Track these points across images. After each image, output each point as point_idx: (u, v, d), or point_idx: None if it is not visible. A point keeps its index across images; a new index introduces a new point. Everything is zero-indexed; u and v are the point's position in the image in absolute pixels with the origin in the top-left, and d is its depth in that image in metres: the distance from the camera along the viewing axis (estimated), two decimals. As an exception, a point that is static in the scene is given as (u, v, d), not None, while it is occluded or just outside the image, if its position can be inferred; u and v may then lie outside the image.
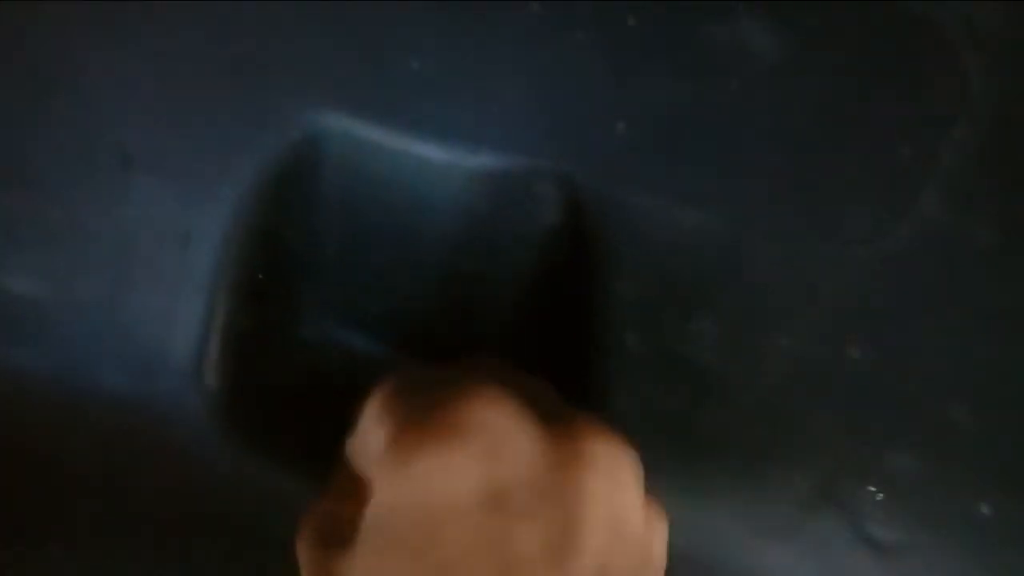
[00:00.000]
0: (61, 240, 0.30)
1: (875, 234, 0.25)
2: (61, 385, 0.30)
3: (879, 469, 0.26)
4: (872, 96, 0.25)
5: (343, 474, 0.26)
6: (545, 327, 0.29)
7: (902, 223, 0.25)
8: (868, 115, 0.25)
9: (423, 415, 0.23)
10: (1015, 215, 0.24)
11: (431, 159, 0.28)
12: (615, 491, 0.23)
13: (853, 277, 0.25)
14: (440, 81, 0.27)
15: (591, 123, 0.27)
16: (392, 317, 0.31)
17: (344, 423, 0.29)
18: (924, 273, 0.25)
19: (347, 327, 0.31)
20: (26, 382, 0.30)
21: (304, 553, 0.25)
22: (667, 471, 0.28)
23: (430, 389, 0.24)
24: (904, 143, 0.24)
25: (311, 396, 0.31)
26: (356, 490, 0.25)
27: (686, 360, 0.28)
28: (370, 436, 0.24)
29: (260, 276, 0.30)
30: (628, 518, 0.23)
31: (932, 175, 0.24)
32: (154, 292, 0.30)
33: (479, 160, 0.28)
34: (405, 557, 0.22)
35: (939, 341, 0.25)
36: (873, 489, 0.27)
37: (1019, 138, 0.24)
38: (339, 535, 0.24)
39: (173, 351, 0.30)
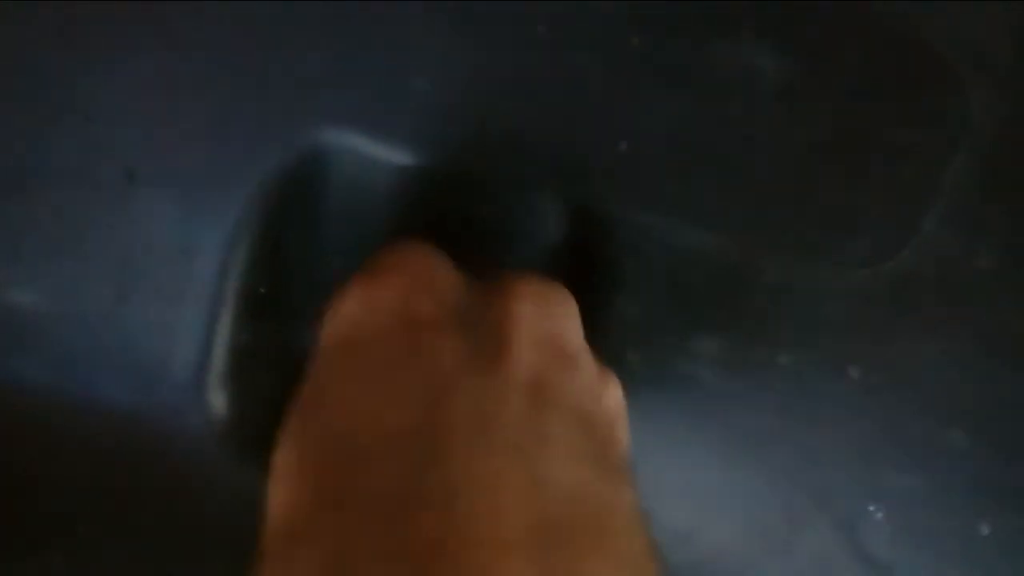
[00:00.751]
0: (62, 252, 0.29)
1: (877, 257, 0.25)
2: (60, 397, 0.30)
3: (878, 488, 0.26)
4: (876, 120, 0.25)
5: None
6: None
7: (904, 247, 0.25)
8: (871, 139, 0.25)
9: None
10: (1017, 241, 0.24)
11: (436, 175, 0.28)
12: (547, 318, 0.23)
13: (854, 299, 0.26)
14: (445, 100, 0.27)
15: (594, 141, 0.27)
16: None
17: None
18: (925, 296, 0.25)
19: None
20: (25, 393, 0.30)
21: None
22: (667, 485, 0.28)
23: None
24: (907, 167, 0.25)
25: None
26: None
27: (687, 378, 0.28)
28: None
29: (262, 290, 0.30)
30: (566, 344, 0.24)
31: (934, 199, 0.24)
32: (155, 305, 0.30)
33: (483, 177, 0.28)
34: (336, 382, 0.23)
35: (939, 364, 0.25)
36: (872, 507, 0.27)
37: (1022, 165, 0.24)
38: None
39: (173, 365, 0.30)
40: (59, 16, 0.27)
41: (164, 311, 0.30)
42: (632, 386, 0.28)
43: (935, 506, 0.26)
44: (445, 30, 0.27)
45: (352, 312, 0.24)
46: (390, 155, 0.28)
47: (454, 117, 0.28)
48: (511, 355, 0.22)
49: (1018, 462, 0.25)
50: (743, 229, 0.26)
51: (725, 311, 0.27)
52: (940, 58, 0.24)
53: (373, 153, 0.28)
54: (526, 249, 0.29)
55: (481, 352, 0.22)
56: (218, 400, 0.30)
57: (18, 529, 0.31)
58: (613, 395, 0.25)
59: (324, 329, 0.25)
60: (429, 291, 0.24)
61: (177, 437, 0.30)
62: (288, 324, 0.31)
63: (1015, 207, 0.24)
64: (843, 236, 0.26)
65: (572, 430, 0.22)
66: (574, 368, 0.23)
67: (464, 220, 0.29)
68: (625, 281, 0.28)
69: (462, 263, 0.27)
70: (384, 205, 0.29)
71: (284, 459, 0.23)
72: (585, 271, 0.28)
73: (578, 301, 0.28)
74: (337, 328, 0.24)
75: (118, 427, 0.30)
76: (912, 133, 0.25)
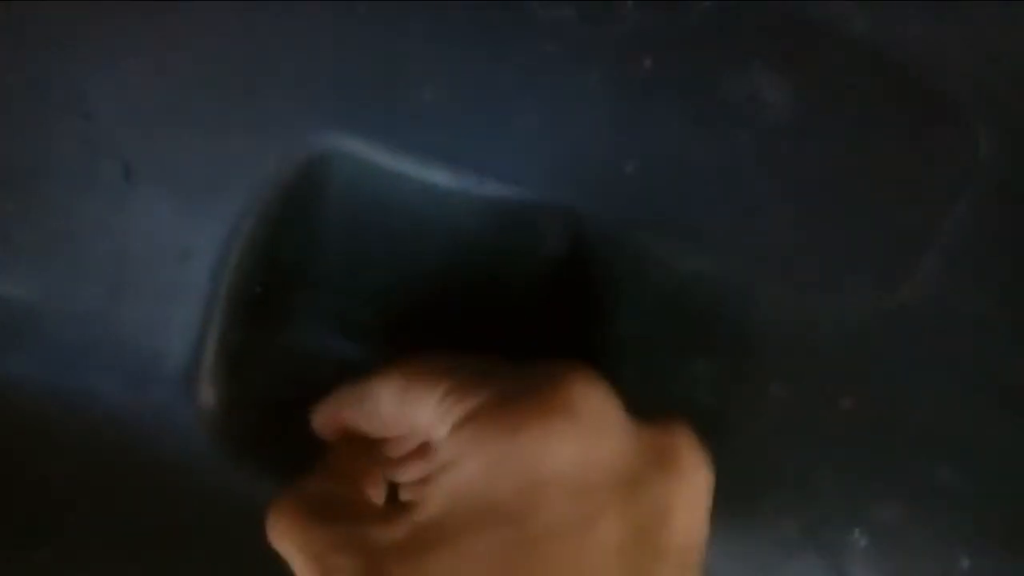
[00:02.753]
0: (59, 248, 0.29)
1: (876, 293, 0.25)
2: (52, 392, 0.30)
3: (865, 517, 0.27)
4: (881, 156, 0.25)
5: (332, 458, 0.27)
6: (541, 359, 0.29)
7: (903, 284, 0.25)
8: (877, 176, 0.25)
9: (520, 391, 0.23)
10: (1015, 283, 0.25)
11: (437, 186, 0.28)
12: (697, 506, 0.23)
13: (851, 332, 0.26)
14: (452, 111, 0.27)
15: (600, 161, 0.27)
16: (387, 332, 0.31)
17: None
18: (921, 335, 0.25)
19: (342, 340, 0.31)
20: (17, 388, 0.30)
21: (298, 531, 0.25)
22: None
23: (497, 370, 0.24)
24: (911, 206, 0.25)
25: (305, 408, 0.31)
26: (356, 469, 0.26)
27: (681, 400, 0.28)
28: (418, 405, 0.24)
29: (258, 289, 0.30)
30: (700, 529, 0.24)
31: (936, 240, 0.25)
32: (150, 303, 0.30)
33: (485, 190, 0.28)
34: (497, 524, 0.22)
35: (931, 401, 0.26)
36: (858, 535, 0.27)
37: (1024, 209, 0.24)
38: (348, 511, 0.25)
39: (167, 362, 0.30)
40: (59, 15, 0.26)
41: (158, 309, 0.30)
42: (627, 404, 0.28)
43: (919, 537, 0.27)
44: (451, 40, 0.27)
45: (526, 452, 0.22)
46: (390, 162, 0.28)
47: (457, 128, 0.27)
48: (672, 527, 0.22)
49: (1001, 500, 0.26)
50: (743, 257, 0.26)
51: (722, 336, 0.27)
52: (948, 98, 0.24)
53: (373, 159, 0.28)
54: (525, 265, 0.29)
55: (645, 521, 0.22)
56: (210, 398, 0.30)
57: (6, 524, 0.31)
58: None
59: (488, 450, 0.23)
60: (604, 443, 0.23)
61: (168, 434, 0.30)
62: (282, 324, 0.31)
63: (1015, 252, 0.24)
64: (842, 270, 0.26)
65: None
66: (706, 534, 0.24)
67: (463, 233, 0.28)
68: (625, 301, 0.28)
69: (461, 289, 0.27)
70: (383, 214, 0.29)
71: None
72: (585, 289, 0.28)
73: (575, 319, 0.29)
74: (505, 462, 0.22)
75: (110, 423, 0.30)
76: (917, 171, 0.25)
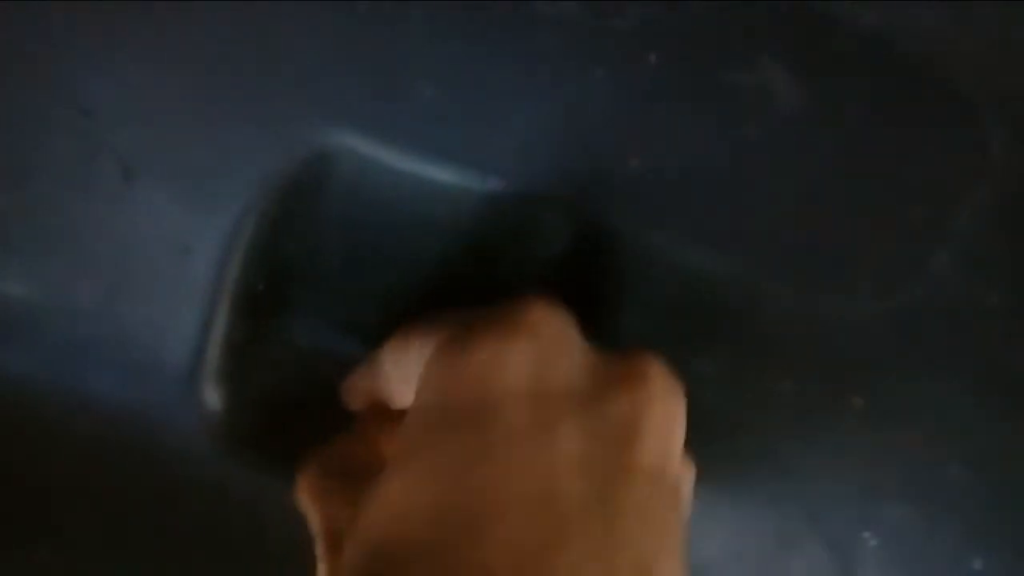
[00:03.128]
0: (58, 246, 0.29)
1: (884, 290, 0.25)
2: (52, 391, 0.30)
3: (875, 516, 0.27)
4: (891, 154, 0.24)
5: (357, 426, 0.28)
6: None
7: (912, 282, 0.25)
8: (886, 173, 0.25)
9: (480, 317, 0.24)
10: (1026, 281, 0.24)
11: (440, 182, 0.28)
12: (673, 415, 0.23)
13: (860, 330, 0.26)
14: (454, 107, 0.27)
15: (605, 156, 0.27)
16: (390, 329, 0.30)
17: (340, 432, 0.29)
18: (931, 332, 0.25)
19: (344, 338, 0.31)
20: (17, 386, 0.30)
21: (315, 484, 0.26)
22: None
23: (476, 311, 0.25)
24: (920, 203, 0.24)
25: (307, 405, 0.31)
26: (369, 431, 0.27)
27: (688, 397, 0.28)
28: (411, 350, 0.25)
29: (260, 287, 0.30)
30: (678, 439, 0.24)
31: (945, 237, 0.24)
32: (151, 301, 0.29)
33: (488, 186, 0.28)
34: (453, 434, 0.22)
35: (942, 399, 0.25)
36: (867, 534, 0.27)
37: (1036, 206, 0.24)
38: (357, 468, 0.25)
39: (168, 360, 0.30)
40: (58, 13, 0.26)
41: (158, 307, 0.30)
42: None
43: (929, 537, 0.26)
44: (454, 37, 0.26)
45: (477, 367, 0.23)
46: (392, 159, 0.28)
47: (460, 126, 0.27)
48: (637, 443, 0.22)
49: (1013, 500, 0.25)
50: (750, 254, 0.26)
51: (729, 334, 0.27)
52: (959, 94, 0.24)
53: (376, 156, 0.28)
54: (530, 261, 0.28)
55: (608, 434, 0.22)
56: (211, 397, 0.30)
57: (6, 523, 0.31)
58: (689, 484, 0.25)
59: (439, 372, 0.23)
60: (563, 360, 0.23)
61: (170, 433, 0.30)
62: (284, 322, 0.30)
63: (1026, 249, 0.24)
64: (851, 268, 0.25)
65: (673, 523, 0.22)
66: (676, 460, 0.23)
67: (468, 229, 0.28)
68: (630, 297, 0.27)
69: (466, 284, 0.26)
70: (386, 211, 0.29)
71: (390, 492, 0.22)
72: (588, 286, 0.28)
73: (582, 315, 0.28)
74: (456, 383, 0.23)
75: (110, 422, 0.30)
76: (926, 168, 0.24)
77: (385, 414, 0.28)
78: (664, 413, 0.23)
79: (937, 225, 0.24)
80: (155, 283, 0.29)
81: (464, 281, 0.29)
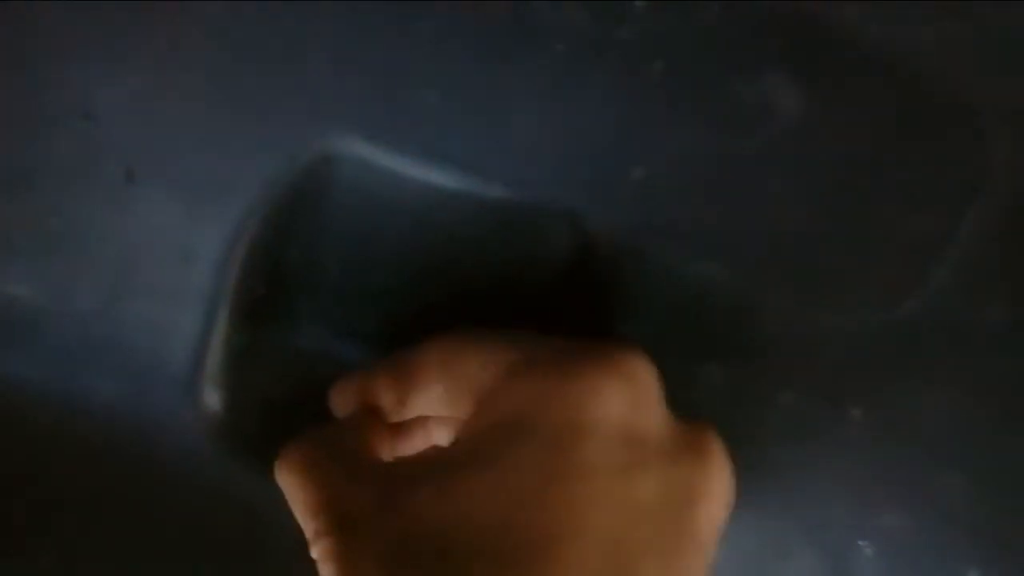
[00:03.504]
0: (61, 249, 0.29)
1: (884, 303, 0.25)
2: (53, 393, 0.30)
3: (872, 526, 0.27)
4: (893, 167, 0.25)
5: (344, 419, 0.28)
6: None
7: (912, 294, 0.25)
8: (887, 185, 0.25)
9: (576, 347, 0.24)
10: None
11: (442, 189, 0.28)
12: (721, 502, 0.24)
13: (860, 341, 0.26)
14: (458, 114, 0.27)
15: (608, 166, 0.27)
16: (391, 335, 0.30)
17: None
18: (930, 345, 0.25)
19: (345, 342, 0.31)
20: (20, 390, 0.30)
21: (309, 463, 0.25)
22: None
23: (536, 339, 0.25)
24: (921, 216, 0.24)
25: (307, 409, 0.31)
26: (359, 430, 0.26)
27: (688, 406, 0.28)
28: (469, 362, 0.25)
29: (261, 291, 0.30)
30: (719, 530, 0.24)
31: (946, 250, 0.24)
32: (152, 305, 0.30)
33: (490, 193, 0.28)
34: (538, 452, 0.22)
35: (940, 410, 0.25)
36: (863, 544, 0.27)
37: (1036, 221, 0.24)
38: (348, 453, 0.25)
39: (169, 363, 0.30)
40: (61, 16, 0.26)
41: (160, 310, 0.30)
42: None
43: (925, 547, 0.26)
44: (458, 43, 0.26)
45: (575, 394, 0.23)
46: (395, 164, 0.28)
47: (463, 132, 0.27)
48: (699, 515, 0.23)
49: (1010, 511, 0.26)
50: (752, 264, 0.26)
51: (729, 343, 0.27)
52: (962, 105, 0.24)
53: (379, 162, 0.28)
54: (532, 270, 0.28)
55: (677, 495, 0.23)
56: (212, 400, 0.30)
57: (6, 525, 0.31)
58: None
59: (529, 390, 0.24)
60: (651, 410, 0.24)
61: (170, 435, 0.30)
62: (285, 326, 0.30)
63: (1025, 263, 0.24)
64: (853, 279, 0.25)
65: None
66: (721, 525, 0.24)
67: (470, 238, 0.28)
68: (632, 306, 0.28)
69: (469, 293, 0.27)
70: (388, 217, 0.29)
71: (458, 489, 0.22)
72: (590, 295, 0.28)
73: (583, 325, 0.28)
74: (551, 400, 0.23)
75: (110, 425, 0.30)
76: (928, 180, 0.24)
77: (378, 419, 0.28)
78: (720, 484, 0.24)
79: (938, 238, 0.25)
80: (156, 286, 0.29)
81: (465, 288, 0.29)
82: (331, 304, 0.30)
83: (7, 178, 0.28)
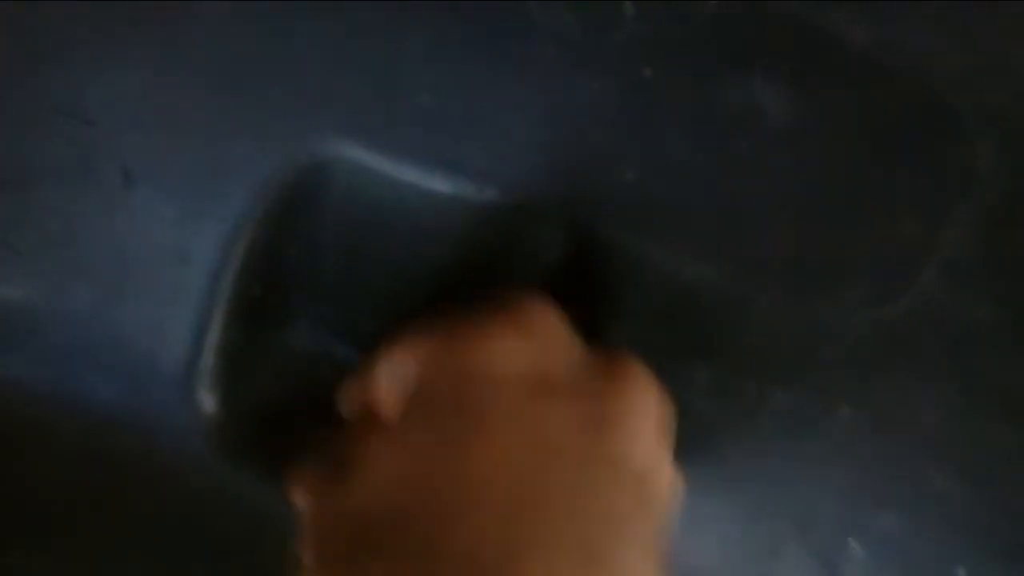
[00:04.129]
0: (57, 251, 0.29)
1: (874, 302, 0.26)
2: (49, 393, 0.30)
3: (862, 526, 0.27)
4: (881, 168, 0.25)
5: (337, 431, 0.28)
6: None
7: (902, 294, 0.25)
8: (876, 186, 0.25)
9: (474, 312, 0.25)
10: (1013, 294, 0.25)
11: (437, 191, 0.28)
12: (658, 414, 0.24)
13: (849, 341, 0.26)
14: (451, 117, 0.27)
15: (600, 169, 0.27)
16: (386, 333, 0.31)
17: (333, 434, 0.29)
18: (920, 344, 0.25)
19: (340, 344, 0.31)
20: (16, 391, 0.30)
21: (311, 479, 0.26)
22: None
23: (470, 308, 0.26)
24: (910, 217, 0.25)
25: (302, 410, 0.31)
26: (360, 434, 0.27)
27: (679, 405, 0.28)
28: (401, 350, 0.26)
29: (257, 293, 0.30)
30: (661, 439, 0.25)
31: (935, 250, 0.25)
32: (149, 306, 0.30)
33: (484, 196, 0.28)
34: (442, 419, 0.23)
35: (929, 410, 0.26)
36: (853, 543, 0.27)
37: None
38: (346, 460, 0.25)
39: (165, 364, 0.30)
40: (59, 17, 0.26)
41: (156, 311, 0.30)
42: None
43: (915, 546, 0.27)
44: (452, 48, 0.27)
45: (470, 357, 0.24)
46: (389, 168, 0.28)
47: (458, 137, 0.27)
48: (614, 436, 0.23)
49: (999, 509, 0.26)
50: (743, 265, 0.26)
51: (720, 343, 0.27)
52: (949, 110, 0.24)
53: (375, 166, 0.28)
54: (524, 271, 0.29)
55: (589, 426, 0.23)
56: (207, 400, 0.30)
57: (3, 527, 0.31)
58: (673, 483, 0.26)
59: (434, 362, 0.25)
60: (551, 355, 0.24)
61: (166, 436, 0.30)
62: (281, 328, 0.31)
63: (1015, 261, 0.25)
64: (841, 279, 0.26)
65: (637, 515, 0.23)
66: (652, 457, 0.24)
67: (463, 239, 0.29)
68: (623, 307, 0.28)
69: (462, 294, 0.27)
70: (383, 219, 0.29)
71: (377, 465, 0.23)
72: (582, 295, 0.28)
73: (577, 324, 0.29)
74: (450, 367, 0.24)
75: (107, 425, 0.30)
76: (916, 182, 0.25)
77: (374, 418, 0.28)
78: (642, 409, 0.24)
79: (926, 239, 0.25)
80: (153, 288, 0.29)
81: (459, 290, 0.29)
82: (326, 306, 0.31)
83: (4, 179, 0.28)
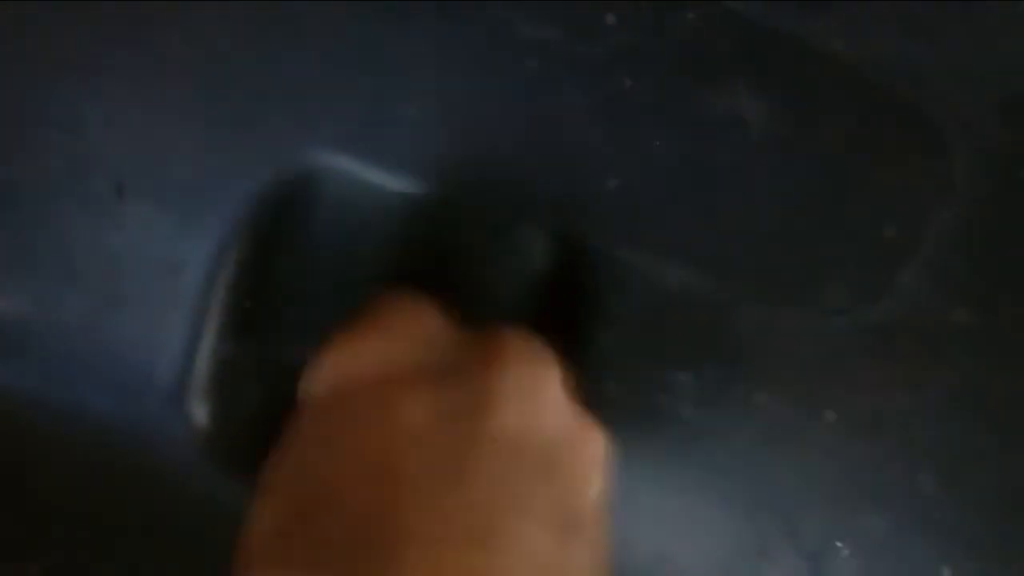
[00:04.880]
0: (49, 263, 0.29)
1: (854, 306, 0.26)
2: (42, 405, 0.30)
3: (847, 527, 0.27)
4: (860, 174, 0.25)
5: None
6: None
7: (881, 297, 0.26)
8: (855, 191, 0.25)
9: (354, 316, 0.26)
10: (991, 297, 0.25)
11: (424, 201, 0.28)
12: (529, 376, 0.24)
13: (832, 345, 0.26)
14: (437, 128, 0.28)
15: (583, 177, 0.27)
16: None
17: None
18: (900, 347, 0.26)
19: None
20: (8, 401, 0.30)
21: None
22: (642, 512, 0.29)
23: None
24: (888, 221, 0.25)
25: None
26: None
27: (664, 411, 0.28)
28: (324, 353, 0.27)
29: (247, 304, 0.30)
30: (545, 403, 0.24)
31: (913, 254, 0.25)
32: (140, 317, 0.30)
33: (470, 205, 0.28)
34: (313, 427, 0.25)
35: (911, 412, 0.26)
36: (839, 544, 0.28)
37: (1000, 223, 0.25)
38: None
39: (157, 375, 0.30)
40: (50, 30, 0.27)
41: (148, 323, 0.30)
42: (610, 417, 0.29)
43: (900, 547, 0.27)
44: (440, 60, 0.27)
45: (335, 363, 0.25)
46: (380, 180, 0.28)
47: (445, 146, 0.28)
48: (488, 413, 0.23)
49: (981, 510, 0.26)
50: (725, 271, 0.27)
51: (703, 349, 0.28)
52: (925, 120, 0.25)
53: (364, 177, 0.28)
54: (510, 279, 0.29)
55: (458, 407, 0.23)
56: (200, 412, 0.30)
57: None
58: (593, 445, 0.25)
59: (311, 378, 0.26)
60: (407, 344, 0.25)
61: (158, 447, 0.31)
62: (272, 338, 0.31)
63: (992, 265, 0.25)
64: (822, 284, 0.26)
65: (541, 489, 0.23)
66: (551, 425, 0.24)
67: (450, 248, 0.29)
68: (606, 314, 0.28)
69: (448, 301, 0.27)
70: (372, 229, 0.29)
71: (271, 493, 0.25)
72: (567, 303, 0.28)
73: (560, 332, 0.29)
74: (322, 378, 0.26)
75: (99, 436, 0.30)
76: (894, 188, 0.25)
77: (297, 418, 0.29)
78: (520, 379, 0.24)
79: (905, 244, 0.25)
80: (144, 299, 0.30)
81: (446, 296, 0.29)
82: (318, 317, 0.31)
83: (-2, 192, 0.29)
